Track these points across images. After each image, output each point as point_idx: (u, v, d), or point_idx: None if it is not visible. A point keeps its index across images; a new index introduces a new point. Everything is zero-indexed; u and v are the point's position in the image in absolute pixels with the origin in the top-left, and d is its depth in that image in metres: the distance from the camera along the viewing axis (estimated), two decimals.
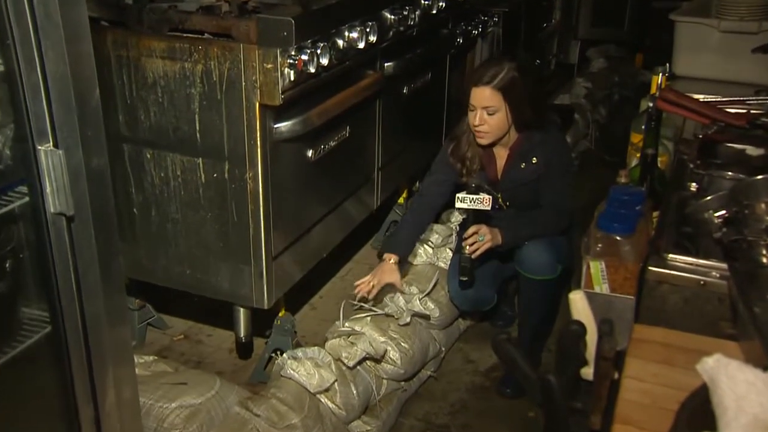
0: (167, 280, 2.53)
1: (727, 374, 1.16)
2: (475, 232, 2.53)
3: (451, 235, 3.15)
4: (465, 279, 2.61)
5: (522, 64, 2.58)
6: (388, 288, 2.76)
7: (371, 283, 2.68)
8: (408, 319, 2.64)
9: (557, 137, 2.67)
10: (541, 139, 2.61)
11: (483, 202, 2.51)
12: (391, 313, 2.67)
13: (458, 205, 2.54)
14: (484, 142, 2.61)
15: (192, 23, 2.19)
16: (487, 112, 2.54)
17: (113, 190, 1.54)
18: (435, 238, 3.10)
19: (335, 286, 3.33)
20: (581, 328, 1.49)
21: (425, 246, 3.03)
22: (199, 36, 2.20)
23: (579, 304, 1.57)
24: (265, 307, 2.45)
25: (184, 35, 2.20)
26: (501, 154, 2.70)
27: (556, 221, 2.64)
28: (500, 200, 2.69)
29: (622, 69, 5.93)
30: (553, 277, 2.62)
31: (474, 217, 2.56)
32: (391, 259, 2.71)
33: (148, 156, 2.37)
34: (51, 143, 1.40)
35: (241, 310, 2.54)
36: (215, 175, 2.31)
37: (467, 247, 2.53)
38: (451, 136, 2.80)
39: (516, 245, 2.63)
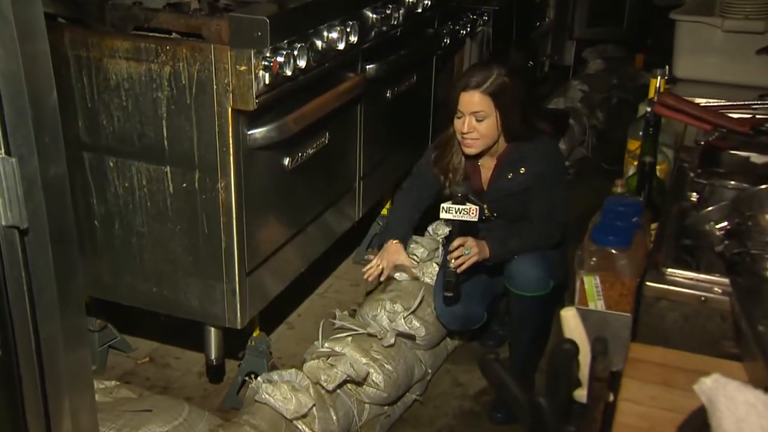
0: (131, 299, 2.52)
1: (726, 395, 1.17)
2: (460, 245, 2.54)
3: (438, 248, 3.15)
4: (450, 295, 2.61)
5: (512, 68, 2.61)
6: (373, 301, 2.77)
7: (380, 266, 2.70)
8: (392, 340, 2.64)
9: (548, 146, 2.68)
10: (530, 148, 2.63)
11: (470, 212, 2.51)
12: (374, 332, 2.67)
13: (443, 215, 2.54)
14: (472, 151, 2.62)
15: (158, 21, 2.19)
16: (476, 117, 2.55)
17: (72, 201, 1.52)
18: (420, 251, 3.10)
19: (314, 304, 3.33)
20: (573, 347, 1.49)
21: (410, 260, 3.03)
22: (167, 36, 2.20)
23: (571, 322, 1.57)
24: (239, 326, 2.45)
25: (150, 34, 2.20)
26: (487, 164, 2.71)
27: (547, 235, 2.65)
28: (486, 211, 2.70)
29: (621, 71, 5.97)
30: (545, 294, 2.63)
31: (460, 228, 2.57)
32: (394, 241, 2.75)
33: (111, 164, 2.36)
34: (3, 150, 1.39)
35: (212, 330, 2.53)
36: (184, 184, 2.31)
37: (452, 260, 2.54)
38: (435, 144, 2.81)
39: (505, 259, 2.63)
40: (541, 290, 2.62)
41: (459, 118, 2.59)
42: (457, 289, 2.62)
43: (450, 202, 2.53)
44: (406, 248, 2.82)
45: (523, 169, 2.64)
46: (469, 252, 2.53)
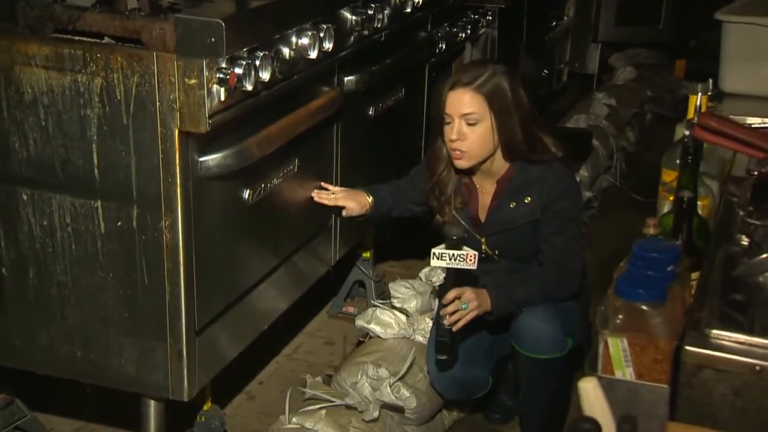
0: (48, 366, 2.49)
1: None
2: (456, 297, 2.53)
3: (431, 296, 3.14)
4: (443, 358, 2.61)
5: (514, 69, 2.63)
6: (353, 365, 2.78)
7: (331, 193, 2.85)
8: (375, 413, 2.63)
9: (562, 174, 2.69)
10: (539, 174, 2.65)
11: (467, 259, 2.51)
12: (354, 404, 2.66)
13: (435, 263, 2.54)
14: (462, 164, 2.65)
15: (86, 23, 2.19)
16: (468, 121, 2.59)
17: None
18: (413, 304, 3.09)
19: (280, 368, 3.32)
20: (594, 427, 1.48)
21: (398, 314, 3.03)
22: (97, 40, 2.20)
23: (592, 395, 1.56)
24: (185, 398, 2.43)
25: (76, 39, 2.21)
26: (487, 188, 2.73)
27: (562, 284, 2.65)
28: (485, 246, 2.70)
29: (657, 80, 6.02)
30: (561, 356, 2.62)
31: (455, 277, 2.56)
32: (368, 196, 2.89)
33: (25, 198, 2.35)
34: None
35: (152, 403, 2.50)
36: (119, 223, 2.30)
37: (446, 316, 2.53)
38: (428, 155, 2.85)
39: (510, 312, 2.63)
40: (556, 352, 2.61)
41: (447, 123, 2.62)
42: (453, 351, 2.61)
43: (443, 246, 2.52)
44: (369, 213, 2.91)
45: (528, 198, 2.65)
46: (466, 306, 2.53)
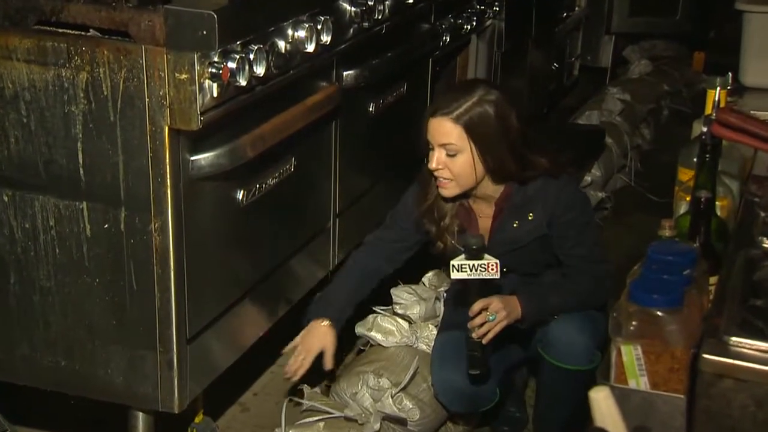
0: (30, 377, 2.49)
1: None
2: (483, 308, 2.53)
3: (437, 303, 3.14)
4: (476, 372, 2.60)
5: (503, 95, 2.62)
6: (353, 375, 2.79)
7: (299, 357, 2.73)
8: (376, 426, 2.64)
9: (562, 184, 2.70)
10: (539, 189, 2.67)
11: (489, 268, 2.50)
12: (353, 416, 2.67)
13: (456, 275, 2.52)
14: (446, 192, 2.67)
15: (71, 14, 2.19)
16: (447, 152, 2.60)
17: None
18: (416, 310, 3.09)
19: (275, 379, 3.31)
20: None
21: (400, 321, 3.03)
22: (82, 33, 2.20)
23: (603, 405, 1.56)
24: (176, 410, 2.43)
25: (60, 31, 2.20)
26: (485, 212, 2.74)
27: (593, 291, 2.68)
28: None
29: (675, 74, 6.02)
30: (589, 369, 2.63)
31: (479, 289, 2.56)
32: (323, 321, 2.76)
33: (6, 199, 2.35)
34: None
35: (140, 415, 2.51)
36: (106, 225, 2.30)
37: (475, 329, 2.53)
38: (416, 182, 2.84)
39: (540, 321, 2.64)
40: (584, 364, 2.64)
41: (431, 149, 2.63)
42: (485, 364, 2.60)
43: (463, 257, 2.52)
44: (338, 332, 2.80)
45: (531, 214, 2.67)
46: (494, 318, 2.52)
